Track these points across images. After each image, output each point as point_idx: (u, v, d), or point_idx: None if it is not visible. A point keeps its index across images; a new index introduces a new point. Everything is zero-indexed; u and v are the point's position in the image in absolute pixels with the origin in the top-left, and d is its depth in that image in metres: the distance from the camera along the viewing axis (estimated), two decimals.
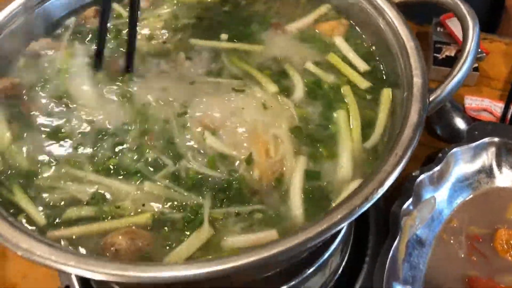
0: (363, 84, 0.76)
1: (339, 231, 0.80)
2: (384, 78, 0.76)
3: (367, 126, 0.70)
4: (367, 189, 0.53)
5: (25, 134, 0.73)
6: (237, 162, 0.67)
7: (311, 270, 0.77)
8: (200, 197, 0.63)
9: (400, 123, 0.61)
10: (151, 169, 0.66)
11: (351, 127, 0.70)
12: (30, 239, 0.52)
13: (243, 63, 0.82)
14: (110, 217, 0.61)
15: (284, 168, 0.66)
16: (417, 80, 0.63)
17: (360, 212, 0.51)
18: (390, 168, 0.55)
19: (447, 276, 0.93)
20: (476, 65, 1.26)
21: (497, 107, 1.20)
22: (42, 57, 0.84)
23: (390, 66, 0.74)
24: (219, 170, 0.66)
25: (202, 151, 0.68)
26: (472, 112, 1.19)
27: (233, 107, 0.72)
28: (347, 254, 0.90)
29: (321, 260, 0.78)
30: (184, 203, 0.62)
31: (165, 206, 0.62)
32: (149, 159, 0.67)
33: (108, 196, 0.63)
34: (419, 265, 0.94)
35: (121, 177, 0.65)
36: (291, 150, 0.68)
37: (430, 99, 0.63)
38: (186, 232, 0.59)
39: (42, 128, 0.74)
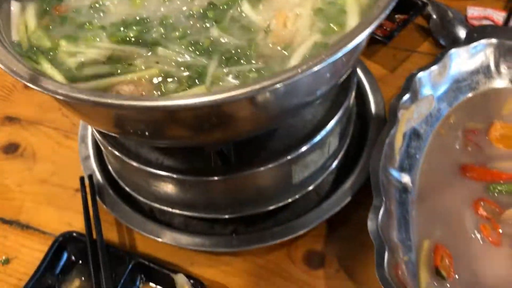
0: None
1: (335, 112, 0.86)
2: None
3: None
4: (352, 33, 0.59)
5: (49, 24, 0.79)
6: (256, 31, 0.73)
7: (308, 146, 0.84)
8: (209, 60, 0.69)
9: None
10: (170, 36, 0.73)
11: None
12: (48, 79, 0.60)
13: None
14: (122, 73, 0.68)
15: (297, 38, 0.72)
16: None
17: (339, 54, 0.57)
18: (375, 15, 0.60)
19: (442, 164, 0.99)
20: None
21: (500, 16, 1.23)
22: None
23: None
24: (237, 37, 0.72)
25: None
26: (474, 21, 1.22)
27: None
28: (347, 141, 0.97)
29: (318, 138, 0.84)
30: (192, 64, 0.68)
31: (174, 66, 0.69)
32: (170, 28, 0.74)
33: (123, 57, 0.70)
34: (415, 155, 1.00)
35: (137, 45, 0.72)
36: (307, 25, 0.73)
37: None
38: (187, 88, 0.66)
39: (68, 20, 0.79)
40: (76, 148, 1.09)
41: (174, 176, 0.83)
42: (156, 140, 0.75)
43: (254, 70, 0.67)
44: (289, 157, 0.83)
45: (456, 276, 0.84)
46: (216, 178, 0.82)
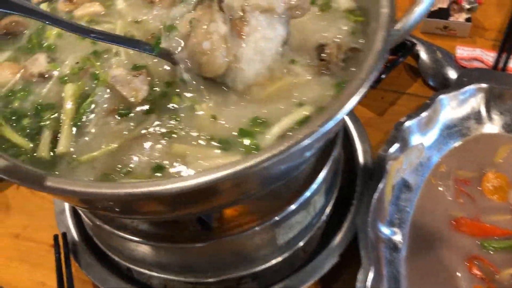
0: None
1: (320, 169, 0.82)
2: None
3: None
4: (330, 110, 0.55)
5: None
6: None
7: (293, 208, 0.79)
8: None
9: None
10: None
11: None
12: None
13: None
14: None
15: None
16: (384, 11, 0.64)
17: (321, 133, 0.53)
18: (354, 90, 0.56)
19: (434, 217, 0.95)
20: (469, 16, 1.25)
21: (489, 56, 1.20)
22: None
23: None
24: None
25: None
26: (463, 61, 1.19)
27: None
28: (333, 197, 0.92)
29: (302, 198, 0.80)
30: None
31: None
32: None
33: None
34: (406, 208, 0.96)
35: None
36: None
37: (397, 27, 0.64)
38: None
39: None
40: (52, 197, 1.03)
41: (149, 242, 0.78)
42: (128, 216, 0.71)
43: None
44: (272, 221, 0.78)
45: None
46: (194, 245, 0.78)
